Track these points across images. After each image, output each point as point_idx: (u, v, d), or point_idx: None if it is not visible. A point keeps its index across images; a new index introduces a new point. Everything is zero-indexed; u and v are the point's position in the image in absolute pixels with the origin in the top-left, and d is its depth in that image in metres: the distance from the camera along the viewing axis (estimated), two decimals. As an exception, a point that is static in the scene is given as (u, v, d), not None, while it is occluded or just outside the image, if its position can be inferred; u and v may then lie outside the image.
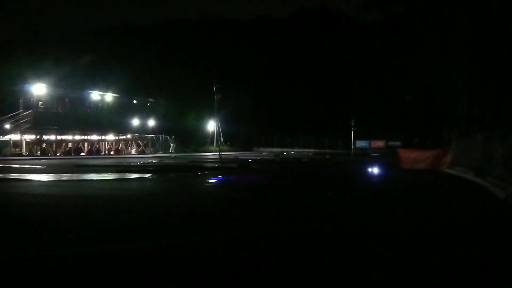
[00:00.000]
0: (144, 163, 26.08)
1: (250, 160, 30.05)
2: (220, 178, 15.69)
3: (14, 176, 14.18)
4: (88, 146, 42.11)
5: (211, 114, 50.71)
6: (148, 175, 15.19)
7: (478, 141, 16.20)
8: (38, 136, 37.42)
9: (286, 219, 6.81)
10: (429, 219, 7.22)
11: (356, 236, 5.61)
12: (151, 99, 49.65)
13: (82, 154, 39.52)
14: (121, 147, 45.02)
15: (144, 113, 47.13)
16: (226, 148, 52.42)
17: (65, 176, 14.73)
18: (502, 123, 17.43)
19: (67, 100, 39.74)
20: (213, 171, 18.99)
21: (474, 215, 7.84)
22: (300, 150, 59.76)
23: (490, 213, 8.09)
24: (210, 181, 14.89)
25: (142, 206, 8.02)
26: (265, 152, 53.77)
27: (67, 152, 38.64)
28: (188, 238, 5.18)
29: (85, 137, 41.84)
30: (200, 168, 20.18)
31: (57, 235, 5.30)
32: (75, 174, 15.50)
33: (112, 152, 42.54)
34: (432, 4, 23.36)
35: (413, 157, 24.59)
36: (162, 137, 48.66)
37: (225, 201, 9.27)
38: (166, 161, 29.75)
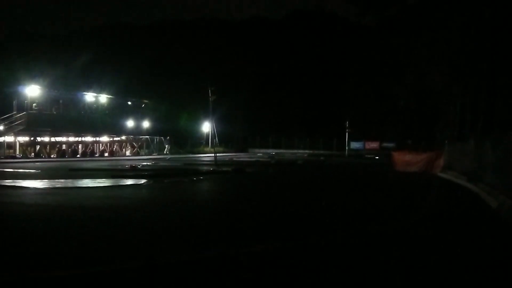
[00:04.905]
0: (139, 166, 26.06)
1: (245, 162, 30.10)
2: (215, 184, 15.79)
3: (9, 182, 14.14)
4: (82, 148, 41.96)
5: (206, 115, 50.88)
6: (143, 181, 15.21)
7: (471, 147, 16.40)
8: (32, 138, 37.24)
9: (284, 232, 6.88)
10: (418, 230, 7.31)
11: (347, 250, 5.71)
12: (145, 100, 49.56)
13: (77, 156, 39.35)
14: (116, 149, 44.90)
15: (139, 115, 47.05)
16: (221, 149, 52.44)
17: (60, 183, 14.72)
18: (494, 129, 17.64)
19: (61, 101, 39.61)
20: (208, 176, 19.07)
21: (465, 226, 7.95)
22: (295, 151, 59.93)
23: (481, 224, 8.19)
24: (205, 187, 14.96)
25: (139, 217, 8.07)
26: (260, 154, 53.80)
27: (62, 154, 38.47)
28: (185, 256, 5.24)
29: (79, 138, 41.70)
30: (195, 173, 20.25)
31: (55, 253, 5.34)
32: (70, 180, 15.48)
33: (106, 154, 42.41)
34: (424, 9, 23.58)
35: (406, 160, 24.84)
36: (156, 138, 48.59)
37: (221, 211, 9.34)
38: (161, 163, 29.74)
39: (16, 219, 7.74)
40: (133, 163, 26.51)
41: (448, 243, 6.33)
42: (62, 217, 7.96)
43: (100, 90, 45.37)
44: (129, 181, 15.21)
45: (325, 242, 6.11)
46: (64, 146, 40.48)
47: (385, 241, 6.41)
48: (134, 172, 19.87)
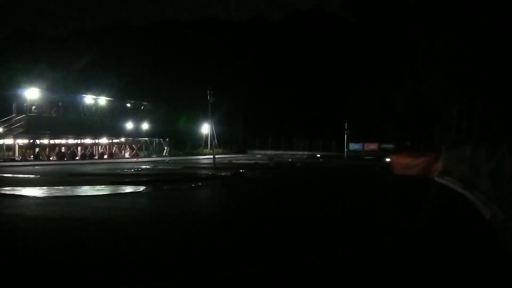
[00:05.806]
0: (138, 170, 26.20)
1: (243, 165, 30.20)
2: (215, 192, 15.95)
3: (8, 190, 14.25)
4: (81, 150, 42.02)
5: (205, 117, 51.06)
6: (142, 188, 15.34)
7: (467, 153, 16.51)
8: (31, 140, 37.31)
9: (280, 251, 7.00)
10: (412, 240, 7.42)
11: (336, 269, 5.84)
12: (144, 102, 49.69)
13: (77, 158, 39.42)
14: (115, 151, 44.99)
15: (138, 116, 47.17)
16: (220, 150, 52.57)
17: (60, 191, 14.82)
18: (490, 135, 17.81)
19: (60, 104, 39.75)
20: (207, 181, 19.24)
21: (457, 238, 8.06)
22: (294, 152, 60.10)
23: (473, 236, 8.30)
24: (204, 196, 15.08)
25: (138, 233, 8.18)
26: (259, 155, 53.93)
27: (61, 156, 38.53)
28: (185, 278, 5.36)
29: (79, 141, 41.79)
30: (194, 178, 20.46)
31: (54, 275, 5.47)
32: (69, 188, 15.60)
33: (105, 156, 42.48)
34: (422, 16, 23.75)
35: (404, 164, 24.97)
36: (156, 140, 48.70)
37: (221, 226, 9.45)
38: (160, 167, 29.86)
39: (15, 235, 7.87)
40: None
41: (436, 256, 6.44)
42: (64, 231, 8.09)
43: (99, 92, 45.55)
44: (128, 189, 15.33)
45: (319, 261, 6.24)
46: (63, 149, 40.55)
47: (382, 247, 6.54)
48: (133, 176, 20.04)
